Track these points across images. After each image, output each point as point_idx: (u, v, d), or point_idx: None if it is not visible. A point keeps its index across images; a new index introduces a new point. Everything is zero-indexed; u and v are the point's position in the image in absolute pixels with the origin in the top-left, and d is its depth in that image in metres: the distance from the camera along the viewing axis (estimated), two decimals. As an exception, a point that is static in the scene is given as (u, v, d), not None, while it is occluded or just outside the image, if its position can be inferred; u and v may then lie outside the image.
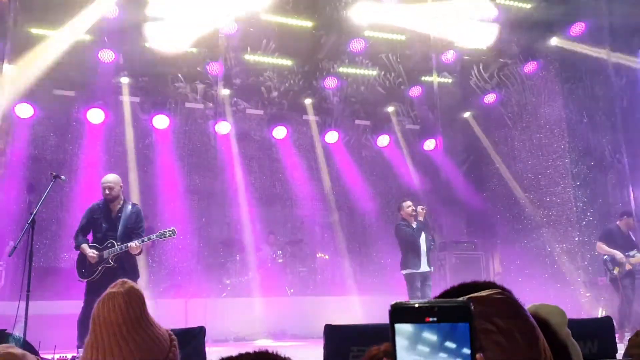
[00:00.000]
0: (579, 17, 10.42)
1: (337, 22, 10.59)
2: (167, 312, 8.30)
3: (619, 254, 7.88)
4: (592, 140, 10.64)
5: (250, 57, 11.04)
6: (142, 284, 10.07)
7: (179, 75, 10.94)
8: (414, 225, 8.02)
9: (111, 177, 6.20)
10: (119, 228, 6.05)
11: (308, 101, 11.92)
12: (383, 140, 12.25)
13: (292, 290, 10.57)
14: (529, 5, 10.59)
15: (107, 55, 9.95)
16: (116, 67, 10.30)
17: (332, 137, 11.83)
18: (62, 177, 5.91)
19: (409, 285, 7.78)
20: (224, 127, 11.00)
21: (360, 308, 9.12)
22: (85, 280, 6.02)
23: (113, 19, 9.56)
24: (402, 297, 8.73)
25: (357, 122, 12.61)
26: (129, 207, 6.20)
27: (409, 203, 8.17)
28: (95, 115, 10.14)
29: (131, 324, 1.41)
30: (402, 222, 8.08)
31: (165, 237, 6.06)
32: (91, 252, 5.97)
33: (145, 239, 6.02)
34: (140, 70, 10.62)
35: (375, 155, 12.72)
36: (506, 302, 1.05)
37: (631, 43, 10.63)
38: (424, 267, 7.84)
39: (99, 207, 6.23)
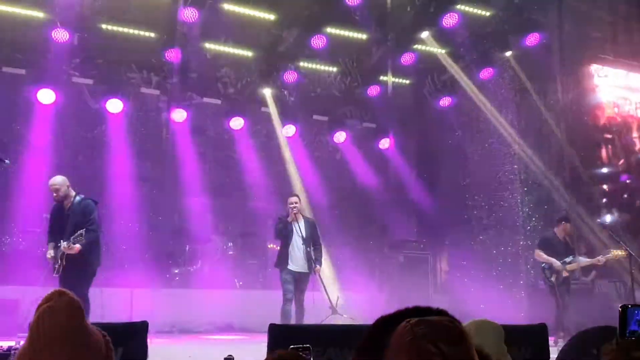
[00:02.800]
0: (534, 29, 10.72)
1: (300, 16, 10.59)
2: (112, 302, 8.16)
3: (556, 262, 8.12)
4: (540, 148, 10.98)
5: (209, 47, 10.91)
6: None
7: (133, 65, 10.70)
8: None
9: (56, 180, 6.30)
10: (67, 226, 6.15)
11: (267, 92, 11.85)
12: (340, 136, 12.31)
13: (241, 283, 10.53)
14: (488, 14, 10.83)
15: (61, 35, 9.63)
16: (71, 48, 9.99)
17: (289, 130, 11.80)
18: (7, 160, 5.74)
19: None
20: (179, 115, 10.81)
21: (311, 303, 9.14)
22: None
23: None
24: (354, 295, 8.78)
25: (315, 117, 12.63)
26: (77, 202, 6.27)
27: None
28: (46, 96, 9.79)
29: (73, 338, 1.42)
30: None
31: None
32: (48, 254, 6.22)
33: (71, 241, 5.92)
34: (94, 53, 10.34)
35: (332, 151, 12.77)
36: (453, 329, 1.10)
37: (581, 57, 11.04)
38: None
39: (55, 206, 6.46)
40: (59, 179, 6.30)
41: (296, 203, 7.75)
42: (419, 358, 1.04)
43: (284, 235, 7.69)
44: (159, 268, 10.20)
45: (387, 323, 1.18)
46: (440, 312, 1.18)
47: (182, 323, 8.74)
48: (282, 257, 7.65)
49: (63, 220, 6.26)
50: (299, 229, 7.65)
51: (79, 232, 5.87)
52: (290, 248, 7.60)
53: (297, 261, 7.56)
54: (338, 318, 7.73)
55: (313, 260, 7.58)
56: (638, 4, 10.73)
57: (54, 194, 6.26)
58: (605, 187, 11.78)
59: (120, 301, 8.38)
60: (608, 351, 1.84)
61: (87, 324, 1.48)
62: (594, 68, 11.63)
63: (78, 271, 5.99)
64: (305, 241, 7.58)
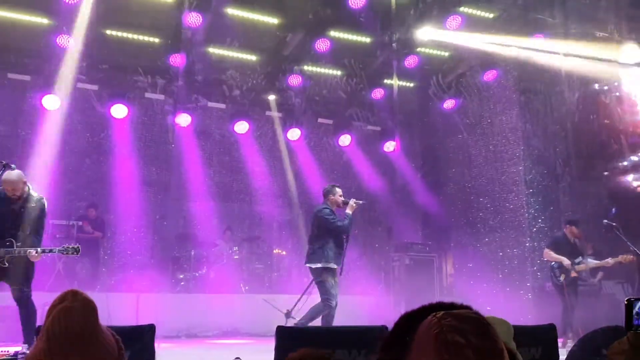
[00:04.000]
0: (539, 29, 10.71)
1: (304, 20, 10.61)
2: (118, 307, 8.14)
3: (566, 261, 8.11)
4: (545, 149, 10.96)
5: (213, 51, 10.94)
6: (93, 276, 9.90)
7: (139, 68, 10.74)
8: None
9: (12, 176, 5.54)
10: (20, 225, 5.54)
11: (271, 97, 11.88)
12: (345, 139, 12.30)
13: (247, 288, 10.52)
14: (491, 15, 10.82)
15: (65, 41, 9.67)
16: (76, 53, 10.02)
17: (294, 134, 11.80)
18: (13, 165, 5.69)
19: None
20: (184, 120, 10.83)
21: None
22: None
23: (73, 3, 9.30)
24: (360, 297, 8.68)
25: (319, 120, 12.64)
26: (33, 201, 5.65)
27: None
28: (51, 102, 9.82)
29: (88, 338, 1.43)
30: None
31: (67, 253, 5.53)
32: None
33: (47, 251, 5.50)
34: (99, 58, 10.38)
35: (337, 154, 12.78)
36: (480, 320, 1.11)
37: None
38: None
39: (1, 198, 5.63)
40: (14, 175, 5.54)
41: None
42: (448, 350, 1.04)
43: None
44: (164, 273, 10.22)
45: (411, 319, 1.19)
46: (464, 307, 1.19)
47: (188, 328, 8.72)
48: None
49: (11, 216, 5.55)
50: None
51: (49, 248, 5.52)
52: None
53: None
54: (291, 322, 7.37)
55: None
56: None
57: (10, 194, 5.51)
58: (612, 187, 11.72)
59: (126, 306, 8.37)
60: (617, 350, 1.82)
61: (100, 325, 1.50)
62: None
63: (16, 277, 5.45)
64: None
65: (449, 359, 1.03)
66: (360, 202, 7.03)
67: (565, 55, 10.66)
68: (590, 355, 3.22)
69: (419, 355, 1.09)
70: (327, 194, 7.10)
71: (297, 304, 7.42)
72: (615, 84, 11.09)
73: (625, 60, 10.81)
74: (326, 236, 6.80)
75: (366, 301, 10.22)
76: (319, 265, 6.72)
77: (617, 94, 11.23)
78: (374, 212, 12.77)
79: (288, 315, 7.38)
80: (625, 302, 1.54)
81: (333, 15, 10.46)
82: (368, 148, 12.57)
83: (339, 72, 12.08)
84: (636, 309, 1.55)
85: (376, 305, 10.05)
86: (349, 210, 6.86)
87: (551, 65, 10.78)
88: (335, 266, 6.76)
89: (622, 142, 11.61)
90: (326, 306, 6.55)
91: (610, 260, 8.29)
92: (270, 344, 3.20)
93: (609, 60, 10.88)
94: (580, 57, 10.66)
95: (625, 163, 11.57)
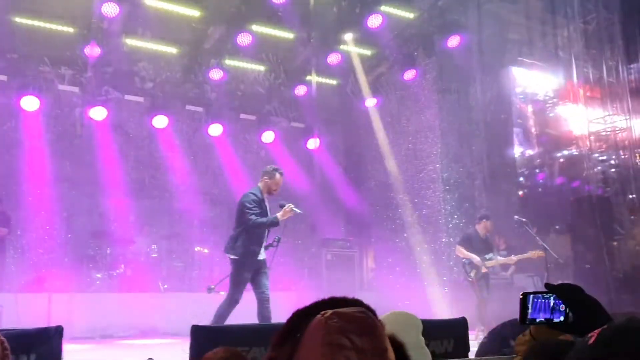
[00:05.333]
0: (456, 31, 11.07)
1: (225, 13, 10.45)
2: (28, 308, 7.76)
3: (476, 258, 8.43)
4: (461, 148, 11.36)
5: (130, 42, 10.58)
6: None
7: (45, 58, 10.22)
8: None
9: None
10: None
11: (193, 91, 11.63)
12: (268, 136, 12.24)
13: (166, 286, 10.27)
14: (412, 15, 11.09)
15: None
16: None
17: (215, 130, 11.59)
18: None
19: None
20: (99, 113, 10.39)
21: (239, 305, 9.00)
22: None
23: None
24: (282, 293, 8.58)
25: (242, 116, 12.50)
26: None
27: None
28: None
29: None
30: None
31: None
32: None
33: None
34: (7, 47, 9.80)
35: (259, 151, 12.68)
36: (365, 320, 1.11)
37: (501, 59, 11.51)
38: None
39: None
40: None
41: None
42: (332, 351, 1.05)
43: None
44: (79, 272, 9.78)
45: (303, 315, 1.19)
46: (356, 303, 1.19)
47: (103, 328, 8.40)
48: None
49: None
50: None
51: None
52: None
53: None
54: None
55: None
56: (552, 9, 11.30)
57: None
58: (522, 184, 12.33)
59: (37, 307, 7.98)
60: (521, 341, 1.90)
61: None
62: (513, 69, 12.15)
63: None
64: None
65: None
66: (298, 211, 6.43)
67: (481, 56, 11.10)
68: (499, 347, 3.38)
69: (306, 353, 1.10)
70: (263, 174, 6.49)
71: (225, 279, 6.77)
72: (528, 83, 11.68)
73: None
74: (241, 226, 6.27)
75: (288, 297, 10.22)
76: (230, 256, 6.28)
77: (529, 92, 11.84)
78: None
79: (210, 290, 7.03)
80: (521, 296, 1.61)
81: (255, 10, 10.38)
82: (291, 145, 12.56)
83: (262, 68, 12.01)
84: (530, 302, 1.61)
85: (298, 301, 10.04)
86: (280, 215, 6.26)
87: (467, 65, 11.19)
88: (247, 259, 6.19)
89: (532, 141, 12.24)
90: (228, 302, 6.17)
91: (513, 257, 8.77)
92: (186, 344, 3.14)
93: (522, 61, 11.45)
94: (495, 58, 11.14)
95: (537, 160, 12.21)
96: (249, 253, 6.21)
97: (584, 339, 1.17)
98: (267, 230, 6.43)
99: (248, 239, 6.22)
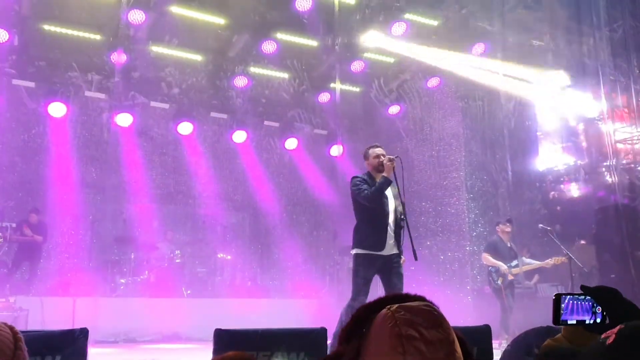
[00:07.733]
0: (480, 38, 11.02)
1: (250, 21, 10.54)
2: (53, 311, 7.88)
3: (503, 266, 8.34)
4: (484, 155, 11.26)
5: (155, 49, 10.72)
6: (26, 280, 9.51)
7: (73, 64, 10.40)
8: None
9: None
10: None
11: (217, 98, 11.73)
12: (291, 143, 12.28)
13: (189, 292, 10.33)
14: (435, 23, 11.05)
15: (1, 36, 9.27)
16: (10, 48, 9.62)
17: (240, 136, 11.68)
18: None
19: None
20: (125, 119, 10.54)
21: (261, 311, 9.03)
22: None
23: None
24: (304, 301, 8.68)
25: (266, 123, 12.57)
26: None
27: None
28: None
29: None
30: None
31: None
32: None
33: None
34: (36, 54, 10.00)
35: (283, 158, 12.73)
36: (431, 313, 1.13)
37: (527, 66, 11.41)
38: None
39: None
40: None
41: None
42: (402, 343, 1.07)
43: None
44: (103, 277, 9.90)
45: (368, 310, 1.22)
46: (419, 298, 1.23)
47: (126, 332, 8.48)
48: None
49: None
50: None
51: None
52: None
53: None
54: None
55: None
56: (578, 18, 11.18)
57: None
58: (547, 192, 12.15)
59: (61, 311, 8.08)
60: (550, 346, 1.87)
61: None
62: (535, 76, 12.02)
63: None
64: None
65: (402, 352, 1.06)
66: (393, 157, 5.47)
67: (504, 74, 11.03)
68: (523, 354, 3.32)
69: (374, 346, 1.12)
70: (363, 158, 5.75)
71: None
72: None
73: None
74: (358, 214, 5.54)
75: (310, 304, 10.22)
76: (352, 251, 5.51)
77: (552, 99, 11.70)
78: (319, 216, 12.79)
79: None
80: (554, 297, 1.60)
81: (280, 17, 10.46)
82: (314, 152, 12.58)
83: (286, 75, 12.06)
84: (564, 304, 1.60)
85: (319, 308, 10.06)
86: (384, 173, 5.28)
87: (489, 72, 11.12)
88: (375, 253, 5.37)
89: (558, 148, 12.07)
90: (348, 305, 5.36)
91: (537, 263, 8.66)
92: (209, 349, 3.15)
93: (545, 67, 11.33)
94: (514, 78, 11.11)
95: (561, 167, 12.04)
96: (379, 242, 5.50)
97: (601, 339, 1.17)
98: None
99: (372, 227, 5.50)
